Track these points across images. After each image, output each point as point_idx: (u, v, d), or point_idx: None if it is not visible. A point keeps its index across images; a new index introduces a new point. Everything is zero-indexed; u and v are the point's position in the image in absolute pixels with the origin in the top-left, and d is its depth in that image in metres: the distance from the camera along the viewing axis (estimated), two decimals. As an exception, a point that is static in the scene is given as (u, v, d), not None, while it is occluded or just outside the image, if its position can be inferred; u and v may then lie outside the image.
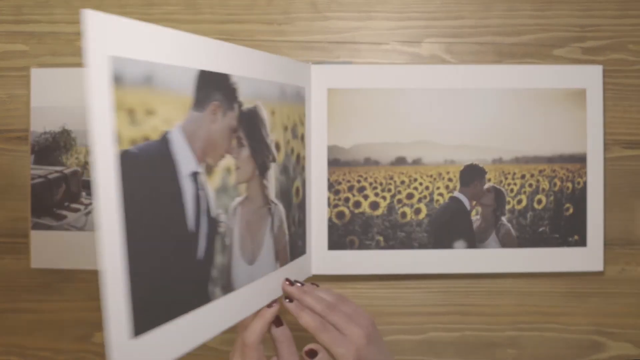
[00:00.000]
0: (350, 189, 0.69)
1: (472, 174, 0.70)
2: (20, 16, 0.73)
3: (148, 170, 0.42)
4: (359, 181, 0.69)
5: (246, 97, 0.53)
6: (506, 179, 0.70)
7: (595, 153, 0.70)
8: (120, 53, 0.40)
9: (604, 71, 0.70)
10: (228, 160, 0.51)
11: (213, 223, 0.49)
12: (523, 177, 0.70)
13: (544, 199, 0.70)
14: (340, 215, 0.69)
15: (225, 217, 0.51)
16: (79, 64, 0.72)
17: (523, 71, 0.70)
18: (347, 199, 0.69)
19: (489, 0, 0.70)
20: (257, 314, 0.54)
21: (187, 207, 0.46)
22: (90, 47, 0.38)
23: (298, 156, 0.63)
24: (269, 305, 0.55)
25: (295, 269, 0.62)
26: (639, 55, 0.70)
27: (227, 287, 0.51)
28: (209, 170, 0.49)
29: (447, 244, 0.70)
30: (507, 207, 0.70)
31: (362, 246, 0.69)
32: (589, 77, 0.69)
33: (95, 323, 0.73)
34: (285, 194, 0.60)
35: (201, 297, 0.47)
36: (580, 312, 0.71)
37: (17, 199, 0.72)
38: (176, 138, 0.45)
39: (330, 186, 0.69)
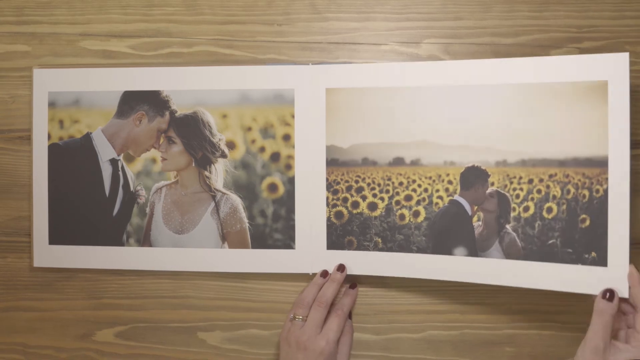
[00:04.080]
0: (349, 189, 0.68)
1: (473, 177, 0.65)
2: (22, 17, 0.73)
3: (71, 155, 0.71)
4: (356, 181, 0.67)
5: (183, 105, 0.70)
6: (511, 183, 0.64)
7: (619, 156, 0.59)
8: (53, 89, 0.71)
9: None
10: (153, 153, 0.71)
11: (131, 194, 0.71)
12: (530, 181, 0.63)
13: (554, 208, 0.62)
14: (339, 215, 0.68)
15: (145, 192, 0.71)
16: (81, 65, 0.73)
17: (530, 64, 0.63)
18: (345, 199, 0.68)
19: (487, 1, 0.70)
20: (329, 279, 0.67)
21: (104, 180, 0.71)
22: (36, 87, 0.72)
23: (276, 155, 0.70)
24: (352, 287, 0.69)
25: (267, 259, 0.70)
26: (637, 56, 0.68)
27: (143, 242, 0.71)
28: (130, 158, 0.71)
29: (446, 250, 0.66)
30: (512, 214, 0.64)
31: (361, 247, 0.68)
32: (612, 67, 0.60)
33: (96, 321, 0.73)
34: (245, 187, 0.70)
35: (115, 240, 0.71)
36: (579, 310, 0.69)
37: (19, 199, 0.73)
38: (97, 136, 0.71)
39: (329, 186, 0.68)
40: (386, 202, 0.67)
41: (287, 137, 0.70)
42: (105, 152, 0.71)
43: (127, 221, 0.71)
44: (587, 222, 0.61)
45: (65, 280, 0.73)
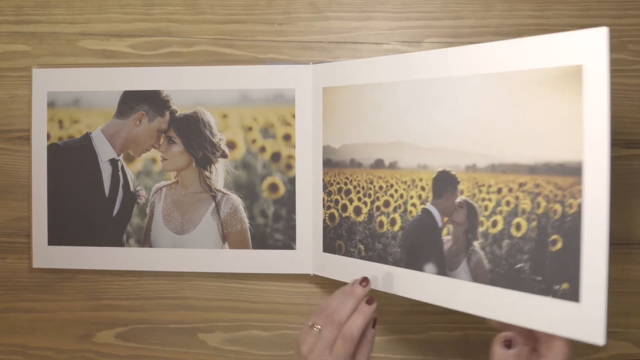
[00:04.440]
0: (339, 191, 0.65)
1: (444, 183, 0.56)
2: (21, 16, 0.73)
3: (70, 155, 0.71)
4: (345, 183, 0.65)
5: (183, 105, 0.70)
6: (480, 192, 0.53)
7: (596, 162, 0.46)
8: (53, 89, 0.71)
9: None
10: (153, 153, 0.70)
11: (131, 194, 0.71)
12: (499, 191, 0.52)
13: (523, 224, 0.51)
14: (332, 217, 0.66)
15: (145, 192, 0.71)
16: (80, 65, 0.73)
17: (493, 51, 0.52)
18: (337, 201, 0.66)
19: (488, 0, 0.70)
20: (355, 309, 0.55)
21: (104, 180, 0.71)
22: (35, 87, 0.71)
23: (276, 155, 0.70)
24: (369, 302, 0.55)
25: (268, 259, 0.69)
26: (639, 55, 0.68)
27: (143, 242, 0.71)
28: (130, 159, 0.71)
29: (418, 265, 0.58)
30: (480, 229, 0.54)
31: (347, 253, 0.65)
32: (588, 48, 0.46)
33: (96, 322, 0.73)
34: (246, 187, 0.70)
35: (115, 241, 0.71)
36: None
37: (19, 199, 0.73)
38: (97, 136, 0.71)
39: (324, 187, 0.67)
40: (369, 207, 0.63)
41: (287, 137, 0.69)
42: (105, 152, 0.71)
43: (127, 221, 0.71)
44: (559, 245, 0.49)
45: (64, 281, 0.73)
